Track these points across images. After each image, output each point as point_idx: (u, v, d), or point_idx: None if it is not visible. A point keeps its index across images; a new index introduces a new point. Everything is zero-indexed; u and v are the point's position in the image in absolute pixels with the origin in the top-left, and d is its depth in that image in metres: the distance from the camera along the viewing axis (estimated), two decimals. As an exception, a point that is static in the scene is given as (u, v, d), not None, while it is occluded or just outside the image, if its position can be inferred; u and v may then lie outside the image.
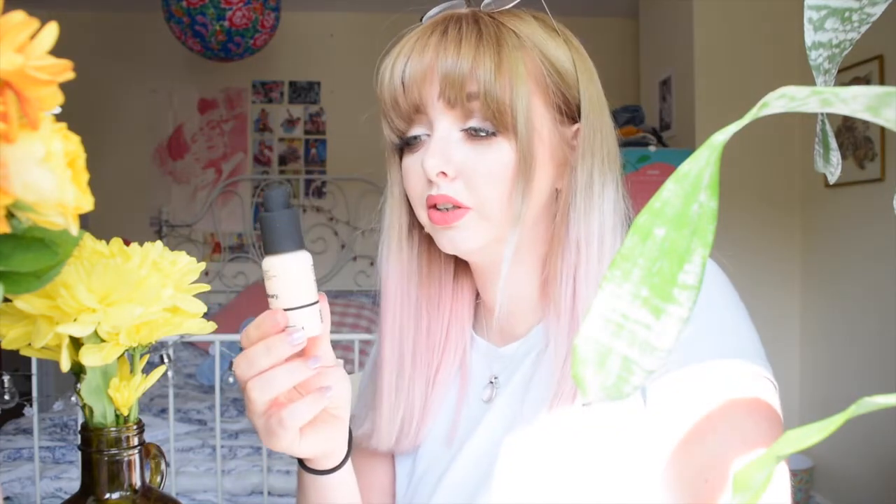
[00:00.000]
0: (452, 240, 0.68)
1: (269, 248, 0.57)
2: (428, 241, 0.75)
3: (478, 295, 0.80)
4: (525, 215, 0.67)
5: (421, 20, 0.71)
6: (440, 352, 0.77)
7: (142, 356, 0.53)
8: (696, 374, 0.62)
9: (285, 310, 0.57)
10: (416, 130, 0.69)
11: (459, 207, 0.66)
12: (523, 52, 0.66)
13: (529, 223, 0.69)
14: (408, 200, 0.73)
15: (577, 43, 0.71)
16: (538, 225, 0.71)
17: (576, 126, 0.70)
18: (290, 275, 0.57)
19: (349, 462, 0.68)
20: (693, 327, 0.63)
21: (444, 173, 0.66)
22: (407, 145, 0.70)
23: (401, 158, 0.72)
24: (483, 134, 0.66)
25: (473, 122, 0.66)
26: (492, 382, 0.76)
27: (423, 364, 0.76)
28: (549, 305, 0.70)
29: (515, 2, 0.69)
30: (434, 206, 0.67)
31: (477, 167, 0.66)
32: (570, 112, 0.70)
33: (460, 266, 0.78)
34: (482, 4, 0.70)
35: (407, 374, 0.75)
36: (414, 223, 0.75)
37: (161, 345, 2.04)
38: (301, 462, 0.68)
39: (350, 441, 0.68)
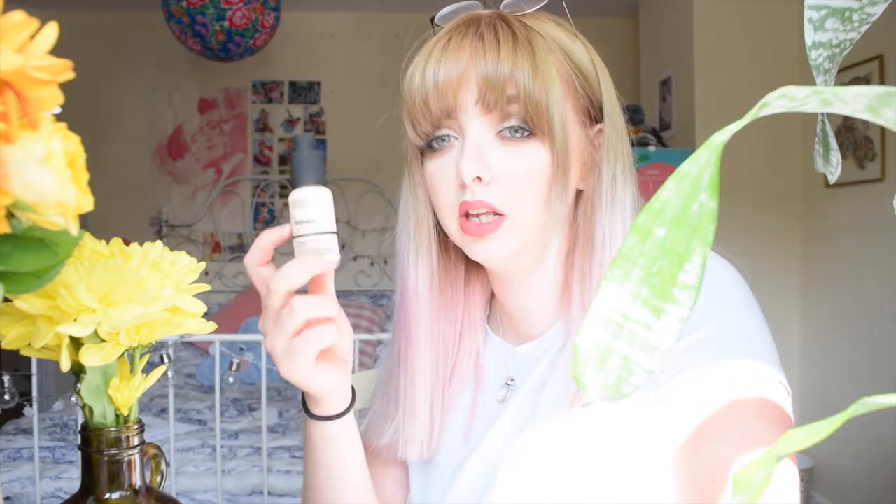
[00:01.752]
0: (488, 250, 0.68)
1: (303, 181, 0.63)
2: (443, 246, 0.75)
3: (492, 294, 0.80)
4: (561, 218, 0.68)
5: (432, 20, 0.71)
6: (454, 354, 0.78)
7: (142, 356, 0.53)
8: (709, 374, 0.62)
9: (318, 234, 0.62)
10: (443, 131, 0.68)
11: (497, 214, 0.66)
12: (553, 56, 0.67)
13: (557, 219, 0.69)
14: (424, 202, 0.73)
15: (592, 46, 0.72)
16: (562, 227, 0.71)
17: (598, 126, 0.71)
18: (323, 202, 0.63)
19: (352, 412, 0.70)
20: (710, 327, 0.63)
21: (479, 178, 0.65)
22: (430, 148, 0.70)
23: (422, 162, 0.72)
24: (520, 135, 0.66)
25: (511, 123, 0.66)
26: (507, 384, 0.76)
27: (442, 367, 0.76)
28: (571, 304, 0.70)
29: (541, 4, 0.69)
30: (466, 215, 0.67)
31: (513, 170, 0.66)
32: (593, 113, 0.71)
33: (471, 266, 0.79)
34: (502, 5, 0.70)
35: (429, 379, 0.76)
36: (435, 227, 0.75)
37: (161, 345, 2.04)
38: (309, 414, 0.69)
39: (354, 395, 0.70)
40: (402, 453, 0.76)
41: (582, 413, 0.67)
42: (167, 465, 0.64)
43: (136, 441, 0.52)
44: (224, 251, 4.03)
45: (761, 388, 0.61)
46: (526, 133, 0.66)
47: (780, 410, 0.61)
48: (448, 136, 0.68)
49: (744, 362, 0.61)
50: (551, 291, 0.74)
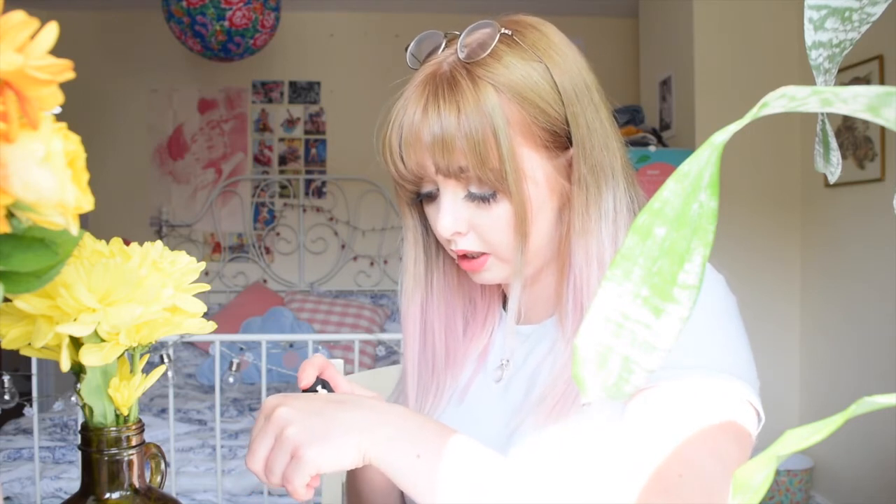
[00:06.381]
0: (482, 278, 0.76)
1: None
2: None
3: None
4: (526, 264, 0.72)
5: (406, 49, 0.74)
6: (473, 338, 0.84)
7: (142, 356, 0.53)
8: (682, 387, 0.64)
9: None
10: (427, 188, 0.73)
11: (481, 254, 0.73)
12: (504, 106, 0.67)
13: (542, 248, 0.74)
14: (424, 237, 0.80)
15: (555, 52, 0.70)
16: (551, 243, 0.75)
17: (569, 153, 0.72)
18: None
19: None
20: (691, 338, 0.65)
21: (458, 232, 0.72)
22: (421, 196, 0.75)
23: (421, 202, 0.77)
24: (483, 198, 0.70)
25: (473, 189, 0.70)
26: (502, 365, 0.81)
27: (461, 352, 0.83)
28: (561, 307, 0.75)
29: (491, 47, 0.68)
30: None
31: (485, 222, 0.71)
32: (560, 142, 0.71)
33: None
34: (458, 45, 0.70)
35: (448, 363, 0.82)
36: (440, 247, 0.81)
37: (161, 345, 2.04)
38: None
39: None
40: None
41: (566, 411, 0.69)
42: (167, 465, 0.64)
43: (136, 441, 0.53)
44: (224, 251, 4.03)
45: (728, 406, 0.63)
46: (489, 194, 0.70)
47: (739, 429, 0.63)
48: (431, 192, 0.73)
49: (717, 380, 0.63)
50: (552, 290, 0.79)
